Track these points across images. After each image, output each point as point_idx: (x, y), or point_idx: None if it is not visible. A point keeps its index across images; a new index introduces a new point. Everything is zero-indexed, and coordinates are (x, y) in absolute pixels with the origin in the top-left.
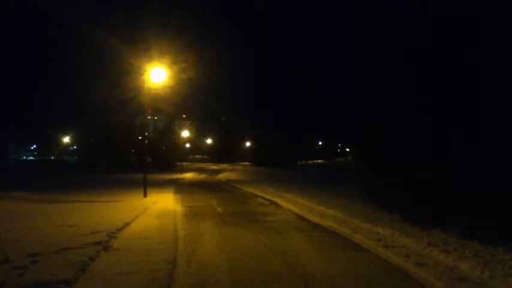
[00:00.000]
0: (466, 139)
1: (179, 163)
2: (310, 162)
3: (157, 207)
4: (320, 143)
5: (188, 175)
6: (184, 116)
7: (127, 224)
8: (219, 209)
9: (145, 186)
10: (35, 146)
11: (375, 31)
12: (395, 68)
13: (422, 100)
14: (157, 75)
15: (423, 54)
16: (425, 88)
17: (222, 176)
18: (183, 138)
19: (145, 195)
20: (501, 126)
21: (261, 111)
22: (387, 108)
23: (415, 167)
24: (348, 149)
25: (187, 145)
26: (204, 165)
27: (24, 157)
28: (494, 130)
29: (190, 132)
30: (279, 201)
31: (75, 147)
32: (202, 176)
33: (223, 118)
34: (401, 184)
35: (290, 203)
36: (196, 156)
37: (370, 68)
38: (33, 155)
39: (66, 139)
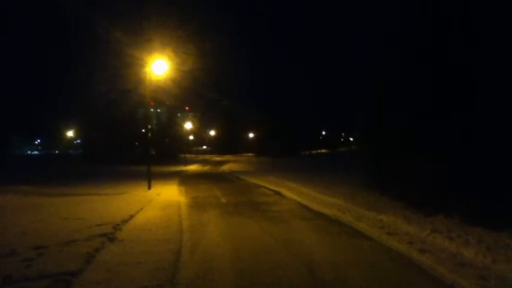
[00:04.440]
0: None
1: (183, 155)
2: (313, 151)
3: (162, 199)
4: (323, 132)
5: (192, 167)
6: (187, 108)
7: (132, 216)
8: (223, 200)
9: (150, 178)
10: (39, 141)
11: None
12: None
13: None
14: (159, 67)
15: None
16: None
17: (225, 167)
18: (186, 130)
19: (149, 188)
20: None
21: (263, 101)
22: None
23: (417, 159)
24: (351, 138)
25: (191, 137)
26: (207, 156)
27: (29, 151)
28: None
29: (193, 124)
30: (283, 191)
31: (79, 140)
32: (206, 168)
33: (225, 103)
34: (404, 173)
35: (294, 193)
36: (200, 147)
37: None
38: (38, 150)
39: (70, 133)
